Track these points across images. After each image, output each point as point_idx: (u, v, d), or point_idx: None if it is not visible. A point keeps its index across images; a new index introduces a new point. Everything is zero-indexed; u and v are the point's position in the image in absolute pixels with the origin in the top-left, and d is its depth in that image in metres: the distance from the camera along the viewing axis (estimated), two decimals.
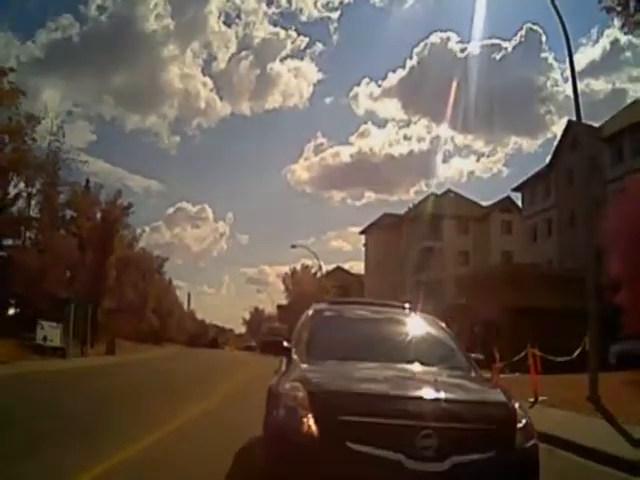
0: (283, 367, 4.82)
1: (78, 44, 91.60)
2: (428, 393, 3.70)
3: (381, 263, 59.19)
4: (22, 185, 29.95)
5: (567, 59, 12.46)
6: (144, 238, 66.96)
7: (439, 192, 59.07)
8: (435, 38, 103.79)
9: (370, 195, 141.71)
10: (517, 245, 48.93)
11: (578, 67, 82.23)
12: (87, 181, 37.62)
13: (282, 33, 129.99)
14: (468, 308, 31.86)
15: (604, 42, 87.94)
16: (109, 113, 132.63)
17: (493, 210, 55.02)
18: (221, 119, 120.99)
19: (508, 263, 45.98)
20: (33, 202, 31.01)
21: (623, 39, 78.64)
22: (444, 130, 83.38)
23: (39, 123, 29.04)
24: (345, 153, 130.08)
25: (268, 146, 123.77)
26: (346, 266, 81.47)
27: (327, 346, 4.76)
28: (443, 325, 5.56)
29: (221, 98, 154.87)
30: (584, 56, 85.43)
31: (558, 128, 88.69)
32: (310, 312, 5.62)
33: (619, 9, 14.11)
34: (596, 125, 37.24)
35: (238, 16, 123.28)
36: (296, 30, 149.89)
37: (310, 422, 3.50)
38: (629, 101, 44.08)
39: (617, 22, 14.74)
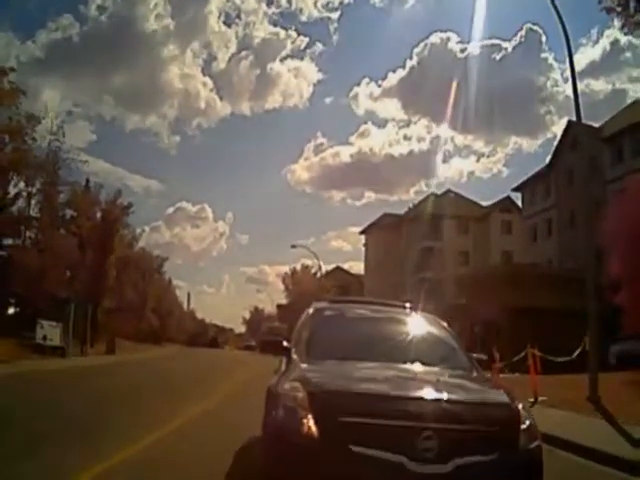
0: (283, 367, 4.77)
1: (78, 44, 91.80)
2: (430, 394, 3.66)
3: (381, 263, 59.20)
4: (22, 185, 30.05)
5: (567, 59, 12.48)
6: (144, 238, 67.31)
7: (439, 192, 59.27)
8: (435, 38, 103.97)
9: (370, 195, 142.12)
10: (517, 245, 48.95)
11: (578, 67, 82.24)
12: (87, 181, 37.75)
13: (282, 33, 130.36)
14: (468, 308, 31.86)
15: (604, 42, 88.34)
16: (109, 113, 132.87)
17: (493, 210, 55.05)
18: (221, 119, 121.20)
19: (508, 263, 46.01)
20: (33, 202, 31.11)
21: (623, 39, 78.66)
22: (444, 130, 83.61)
23: (39, 123, 29.13)
24: (345, 153, 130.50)
25: (268, 146, 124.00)
26: (346, 266, 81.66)
27: (327, 345, 4.71)
28: (444, 325, 5.51)
29: (221, 98, 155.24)
30: (584, 56, 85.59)
31: (558, 128, 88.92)
32: (310, 311, 5.56)
33: (619, 10, 14.11)
34: (596, 125, 37.26)
35: (238, 16, 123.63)
36: (296, 30, 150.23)
37: (310, 423, 3.45)
38: (629, 101, 44.20)
39: (617, 22, 14.77)
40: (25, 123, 27.86)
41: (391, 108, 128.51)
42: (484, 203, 58.23)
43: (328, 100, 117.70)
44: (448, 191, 59.84)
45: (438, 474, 3.32)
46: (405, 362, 4.43)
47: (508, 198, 53.94)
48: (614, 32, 70.82)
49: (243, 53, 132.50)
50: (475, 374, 4.64)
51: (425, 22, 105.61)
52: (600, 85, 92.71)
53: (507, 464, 3.46)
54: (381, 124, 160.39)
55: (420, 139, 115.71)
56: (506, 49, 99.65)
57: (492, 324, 29.64)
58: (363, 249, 69.89)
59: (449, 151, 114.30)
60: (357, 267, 78.24)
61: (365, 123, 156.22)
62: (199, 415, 9.11)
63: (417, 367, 4.38)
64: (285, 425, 3.55)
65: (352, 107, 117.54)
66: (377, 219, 62.92)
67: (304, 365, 4.31)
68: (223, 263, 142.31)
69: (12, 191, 29.65)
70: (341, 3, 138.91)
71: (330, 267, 75.33)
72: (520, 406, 3.85)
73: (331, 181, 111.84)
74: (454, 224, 54.57)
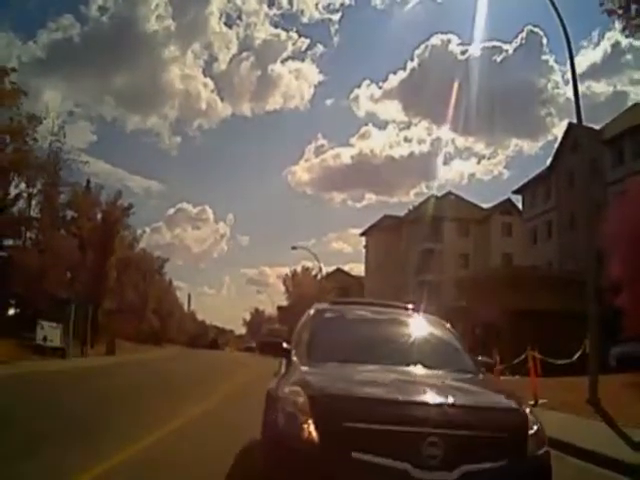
0: (282, 369, 4.71)
1: (79, 45, 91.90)
2: (435, 398, 3.55)
3: (381, 265, 59.20)
4: (23, 185, 30.07)
5: (568, 61, 12.47)
6: (144, 239, 67.49)
7: (439, 194, 59.22)
8: (436, 40, 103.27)
9: (370, 197, 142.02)
10: (517, 247, 48.92)
11: (579, 69, 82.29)
12: (88, 182, 37.78)
13: (283, 34, 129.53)
14: (468, 310, 31.85)
15: (605, 45, 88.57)
16: (110, 114, 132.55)
17: (493, 212, 55.06)
18: (222, 120, 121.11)
19: (508, 265, 45.99)
20: (34, 202, 31.11)
21: (624, 42, 78.55)
22: (445, 132, 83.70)
23: (40, 123, 29.14)
24: (346, 155, 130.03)
25: (269, 147, 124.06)
26: (346, 268, 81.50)
27: (328, 348, 4.58)
28: (448, 326, 5.41)
29: (222, 99, 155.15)
30: (585, 59, 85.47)
31: (559, 130, 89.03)
32: (311, 312, 5.48)
33: (620, 12, 14.10)
34: (597, 128, 37.24)
35: (239, 17, 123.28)
36: (297, 31, 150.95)
37: (311, 428, 3.33)
38: (630, 104, 44.18)
39: (618, 25, 14.75)
40: (26, 123, 27.89)
41: (392, 110, 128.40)
42: (484, 205, 58.31)
43: (329, 102, 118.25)
44: (449, 193, 59.89)
45: None
46: (408, 365, 4.34)
47: (508, 200, 53.96)
48: (615, 34, 71.42)
49: (244, 54, 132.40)
50: (481, 377, 4.56)
51: (426, 24, 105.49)
52: (601, 87, 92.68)
53: (515, 471, 3.35)
54: (382, 126, 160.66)
55: (421, 141, 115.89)
56: (507, 51, 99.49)
57: (492, 326, 29.64)
58: (363, 251, 69.98)
59: (450, 153, 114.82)
60: (357, 269, 78.31)
61: (366, 125, 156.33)
62: (199, 415, 9.12)
63: (421, 370, 4.29)
64: (285, 430, 3.43)
65: (353, 109, 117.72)
66: (377, 221, 62.93)
67: (304, 368, 4.19)
68: (224, 264, 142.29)
69: (13, 192, 29.76)
70: (342, 5, 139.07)
71: (330, 269, 75.44)
72: (528, 410, 3.77)
73: (332, 183, 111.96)
74: (454, 226, 54.59)
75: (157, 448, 6.25)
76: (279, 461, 3.41)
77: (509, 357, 15.09)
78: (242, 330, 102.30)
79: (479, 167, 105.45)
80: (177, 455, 5.93)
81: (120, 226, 39.19)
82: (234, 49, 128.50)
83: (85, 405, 9.46)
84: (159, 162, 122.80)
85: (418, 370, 4.29)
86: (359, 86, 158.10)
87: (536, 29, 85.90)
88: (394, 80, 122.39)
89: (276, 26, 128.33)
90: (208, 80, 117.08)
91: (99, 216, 37.78)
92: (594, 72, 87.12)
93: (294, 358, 4.59)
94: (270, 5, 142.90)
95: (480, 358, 5.26)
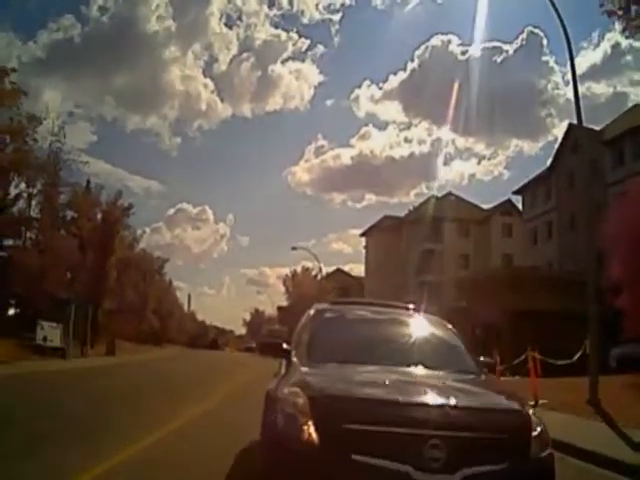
0: (282, 370, 4.68)
1: (80, 45, 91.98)
2: (437, 399, 3.50)
3: (381, 265, 59.20)
4: (23, 185, 30.13)
5: (568, 62, 12.47)
6: (144, 239, 67.48)
7: (440, 195, 59.20)
8: (436, 41, 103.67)
9: (371, 197, 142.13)
10: (517, 248, 48.93)
11: (579, 70, 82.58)
12: (88, 182, 37.83)
13: (283, 35, 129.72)
14: (469, 311, 31.83)
15: (605, 46, 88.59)
16: (110, 114, 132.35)
17: (494, 213, 55.07)
18: (222, 121, 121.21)
19: (508, 266, 46.01)
20: (34, 202, 31.17)
21: (624, 43, 78.34)
22: (445, 133, 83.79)
23: (40, 123, 29.19)
24: (346, 155, 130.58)
25: (269, 148, 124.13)
26: (346, 268, 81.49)
27: (328, 348, 4.54)
28: (450, 326, 5.36)
29: (222, 100, 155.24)
30: (585, 59, 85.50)
31: (559, 131, 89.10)
32: (311, 313, 5.44)
33: (620, 13, 14.12)
34: (597, 128, 37.25)
35: (239, 18, 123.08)
36: (297, 32, 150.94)
37: (310, 430, 3.29)
38: (630, 105, 44.25)
39: (618, 26, 14.78)
40: (26, 124, 27.92)
41: (392, 110, 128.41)
42: (485, 206, 58.33)
43: (329, 102, 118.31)
44: (449, 194, 59.88)
45: None
46: (409, 365, 4.30)
47: (509, 201, 53.95)
48: (615, 35, 71.43)
49: (244, 55, 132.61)
50: (483, 378, 4.52)
51: (426, 24, 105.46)
52: (601, 88, 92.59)
53: (517, 473, 3.31)
54: (382, 126, 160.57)
55: (421, 141, 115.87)
56: (507, 52, 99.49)
57: (492, 327, 29.63)
58: (363, 251, 69.99)
59: (450, 153, 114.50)
60: (357, 269, 78.29)
61: (366, 125, 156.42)
62: (199, 416, 9.13)
63: (422, 371, 4.25)
64: (284, 432, 3.39)
65: (353, 109, 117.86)
66: (378, 221, 62.93)
67: (304, 368, 4.16)
68: (224, 265, 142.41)
69: (13, 192, 29.82)
70: (342, 5, 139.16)
71: (330, 269, 75.43)
72: (531, 412, 3.73)
73: (332, 183, 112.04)
74: (455, 227, 54.60)
75: (157, 448, 6.26)
76: (278, 462, 3.37)
77: (509, 358, 15.08)
78: (242, 330, 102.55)
79: (479, 168, 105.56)
80: (177, 455, 5.93)
81: (120, 226, 39.21)
82: (234, 50, 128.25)
83: (85, 405, 9.47)
84: (159, 162, 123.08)
85: (419, 371, 4.25)
86: (359, 87, 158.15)
87: (536, 30, 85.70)
88: (394, 81, 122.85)
89: (276, 27, 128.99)
90: (208, 81, 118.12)
91: (99, 216, 37.82)
92: (594, 73, 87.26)
93: (294, 359, 4.56)
94: (270, 6, 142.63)
95: (482, 359, 5.21)
